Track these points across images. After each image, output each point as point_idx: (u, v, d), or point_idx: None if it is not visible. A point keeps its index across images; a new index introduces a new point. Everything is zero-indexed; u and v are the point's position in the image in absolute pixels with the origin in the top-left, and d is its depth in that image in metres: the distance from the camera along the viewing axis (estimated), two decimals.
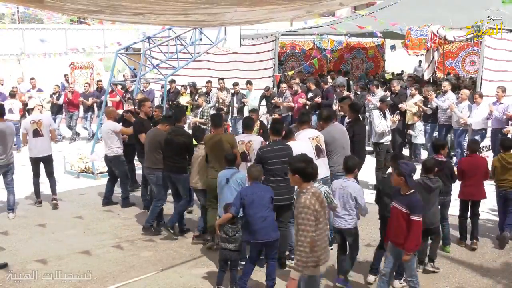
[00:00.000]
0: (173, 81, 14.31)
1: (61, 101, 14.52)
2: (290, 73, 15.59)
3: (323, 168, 6.01)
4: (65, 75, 18.19)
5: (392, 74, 20.87)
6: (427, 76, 14.49)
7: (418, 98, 11.22)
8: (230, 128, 13.45)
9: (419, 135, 11.10)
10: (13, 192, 8.13)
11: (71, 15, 15.28)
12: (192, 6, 5.20)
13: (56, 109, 14.58)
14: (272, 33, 14.67)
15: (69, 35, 22.38)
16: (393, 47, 20.63)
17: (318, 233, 4.17)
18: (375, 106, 11.39)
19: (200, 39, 11.50)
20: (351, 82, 16.72)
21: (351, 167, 5.62)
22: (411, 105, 11.15)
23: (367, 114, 12.16)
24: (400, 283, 5.70)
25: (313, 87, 12.67)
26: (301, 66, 17.77)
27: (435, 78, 15.93)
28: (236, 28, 11.30)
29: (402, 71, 20.23)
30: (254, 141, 6.72)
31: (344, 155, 6.41)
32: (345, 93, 12.34)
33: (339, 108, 9.54)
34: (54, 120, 13.44)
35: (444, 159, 6.49)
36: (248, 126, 6.94)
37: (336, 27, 13.25)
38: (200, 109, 11.40)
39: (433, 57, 13.32)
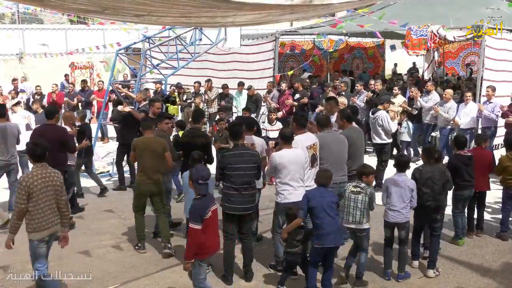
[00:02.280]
0: (159, 82, 14.13)
1: (44, 102, 14.43)
2: (290, 72, 15.58)
3: (312, 179, 5.82)
4: (66, 75, 18.20)
5: (392, 73, 20.88)
6: (427, 76, 14.48)
7: (402, 99, 11.17)
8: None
9: (405, 132, 11.11)
10: None
11: (71, 15, 15.24)
12: (193, 10, 5.21)
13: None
14: (272, 33, 14.67)
15: (69, 35, 22.35)
16: (393, 47, 20.62)
17: (32, 206, 4.94)
18: (358, 106, 11.36)
19: (200, 39, 11.49)
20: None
21: (404, 164, 5.91)
22: (395, 105, 11.06)
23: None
24: (434, 272, 5.91)
25: (300, 88, 12.61)
26: (301, 65, 17.75)
27: (435, 78, 15.92)
28: (236, 28, 11.30)
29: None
30: (257, 145, 6.58)
31: (337, 165, 6.20)
32: (330, 93, 12.08)
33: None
34: None
35: (471, 154, 6.77)
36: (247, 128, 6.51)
37: (336, 26, 13.23)
38: None
39: (433, 57, 13.31)
